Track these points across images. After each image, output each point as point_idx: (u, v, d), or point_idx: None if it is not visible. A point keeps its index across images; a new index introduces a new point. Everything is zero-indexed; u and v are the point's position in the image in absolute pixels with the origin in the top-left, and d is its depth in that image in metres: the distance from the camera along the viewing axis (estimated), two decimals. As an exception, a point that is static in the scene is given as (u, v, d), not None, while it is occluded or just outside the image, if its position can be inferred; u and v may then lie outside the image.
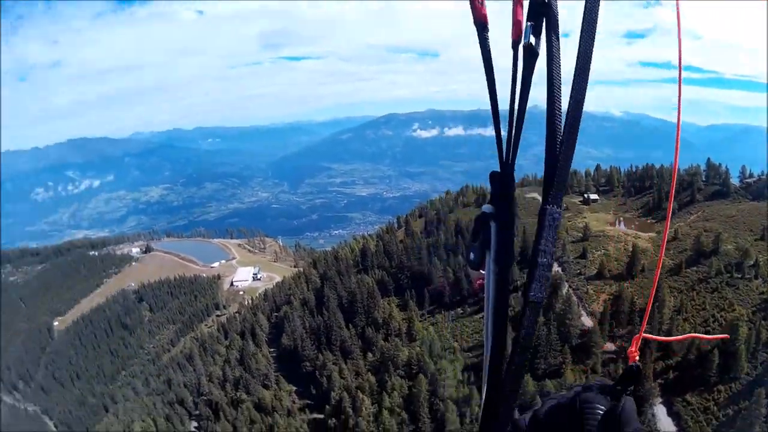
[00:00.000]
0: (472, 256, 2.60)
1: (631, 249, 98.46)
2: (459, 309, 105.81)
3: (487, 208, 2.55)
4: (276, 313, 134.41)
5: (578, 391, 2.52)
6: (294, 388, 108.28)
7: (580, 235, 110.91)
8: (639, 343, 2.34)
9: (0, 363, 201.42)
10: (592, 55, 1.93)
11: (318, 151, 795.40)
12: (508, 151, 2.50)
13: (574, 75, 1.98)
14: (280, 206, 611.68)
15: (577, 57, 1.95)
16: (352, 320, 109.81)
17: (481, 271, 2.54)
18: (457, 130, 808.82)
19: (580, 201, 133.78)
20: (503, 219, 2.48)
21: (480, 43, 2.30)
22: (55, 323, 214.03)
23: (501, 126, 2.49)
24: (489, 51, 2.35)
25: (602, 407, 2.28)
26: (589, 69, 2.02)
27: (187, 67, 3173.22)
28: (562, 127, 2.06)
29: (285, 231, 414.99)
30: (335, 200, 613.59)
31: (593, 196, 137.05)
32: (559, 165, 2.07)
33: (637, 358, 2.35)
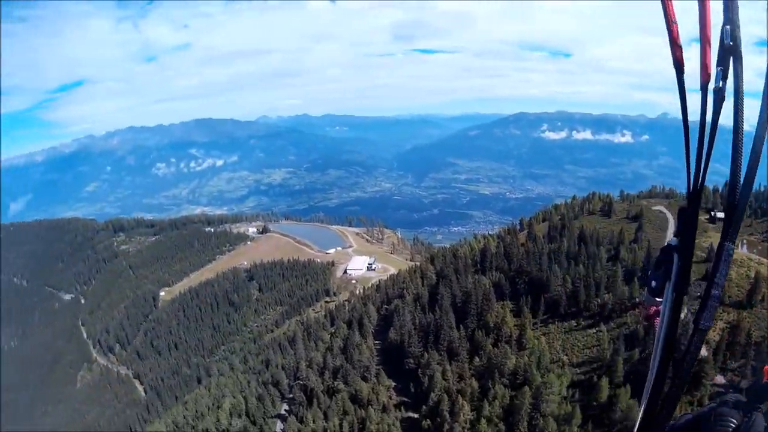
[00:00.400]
0: (653, 283, 2.99)
1: (753, 276, 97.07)
2: (573, 321, 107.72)
3: (673, 240, 2.96)
4: (386, 306, 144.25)
5: (713, 406, 2.56)
6: (393, 384, 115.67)
7: (704, 255, 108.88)
8: None
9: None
10: None
11: (445, 145, 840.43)
12: (695, 187, 2.59)
13: (758, 122, 2.07)
14: (402, 198, 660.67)
15: (761, 109, 2.00)
16: (464, 321, 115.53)
17: (657, 299, 2.90)
18: (585, 134, 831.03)
19: (706, 219, 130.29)
20: (685, 252, 2.75)
21: (678, 83, 2.48)
22: (161, 293, 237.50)
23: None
24: (685, 91, 2.57)
25: (734, 421, 2.69)
26: None
27: (318, 54, 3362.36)
28: (743, 172, 2.11)
29: (405, 223, 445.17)
30: (458, 196, 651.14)
31: (720, 215, 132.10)
32: (738, 206, 2.27)
33: None
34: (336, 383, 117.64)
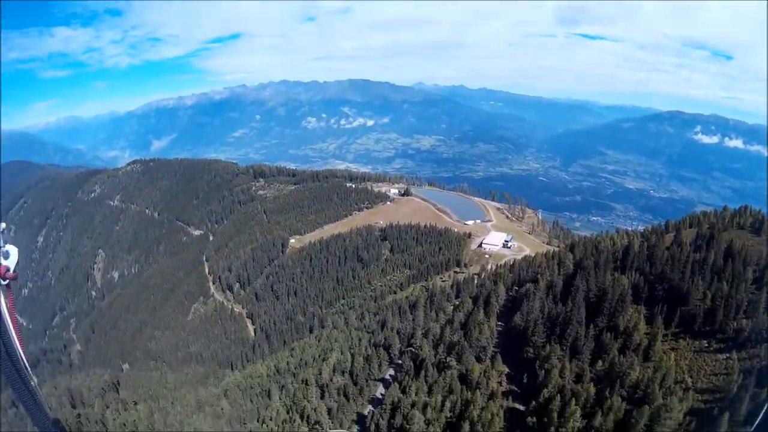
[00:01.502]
0: None
1: None
2: (705, 341, 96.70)
3: None
4: (517, 288, 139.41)
5: None
6: (506, 370, 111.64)
7: None
8: None
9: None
10: None
11: (597, 134, 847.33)
12: None
13: None
14: (548, 180, 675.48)
15: None
16: (594, 319, 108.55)
17: None
18: (737, 142, 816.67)
19: None
20: None
21: None
22: (291, 240, 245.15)
23: None
24: None
25: None
26: None
27: (481, 30, 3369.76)
28: None
29: (546, 205, 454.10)
30: (602, 186, 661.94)
31: None
32: None
33: None
34: (448, 359, 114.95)
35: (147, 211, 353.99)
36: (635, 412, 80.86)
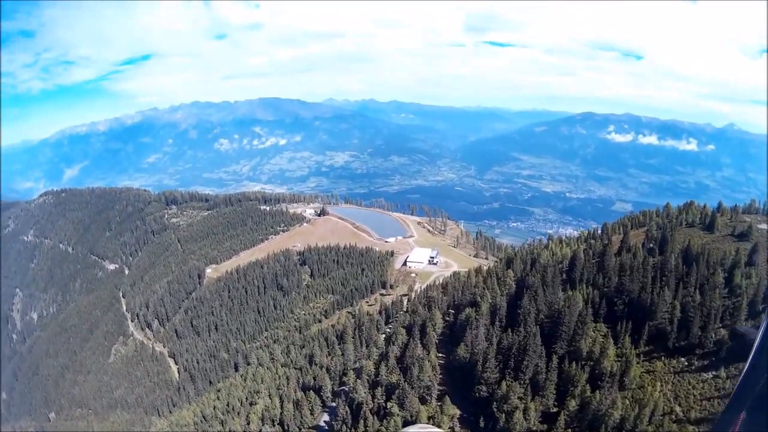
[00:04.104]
0: None
1: None
2: (683, 359, 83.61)
3: None
4: (453, 312, 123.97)
5: None
6: (458, 413, 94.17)
7: None
8: None
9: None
10: None
11: (511, 140, 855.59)
12: None
13: None
14: (464, 189, 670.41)
15: None
16: (551, 346, 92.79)
17: None
18: (651, 139, 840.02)
19: None
20: None
21: None
22: (208, 270, 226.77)
23: None
24: None
25: None
26: None
27: (389, 40, 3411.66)
28: None
29: (464, 215, 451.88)
30: (519, 192, 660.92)
31: None
32: None
33: None
34: (389, 405, 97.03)
35: (61, 245, 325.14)
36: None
